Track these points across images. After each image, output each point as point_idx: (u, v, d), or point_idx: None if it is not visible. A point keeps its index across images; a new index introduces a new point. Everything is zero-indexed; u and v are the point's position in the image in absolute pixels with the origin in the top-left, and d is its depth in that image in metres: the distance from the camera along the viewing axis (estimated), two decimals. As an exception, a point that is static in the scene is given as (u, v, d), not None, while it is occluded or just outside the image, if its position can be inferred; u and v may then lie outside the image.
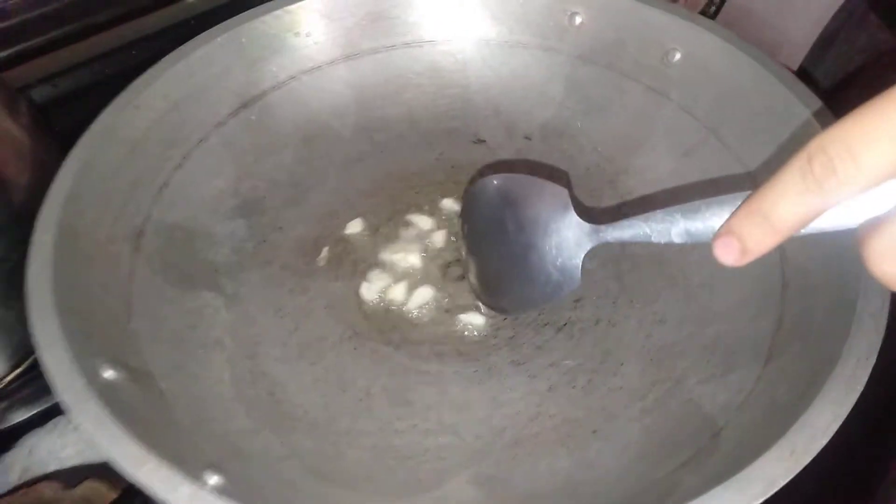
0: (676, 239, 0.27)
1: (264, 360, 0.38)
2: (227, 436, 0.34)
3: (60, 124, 0.51)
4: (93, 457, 0.42)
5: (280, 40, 0.47)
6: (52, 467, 0.41)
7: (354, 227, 0.45)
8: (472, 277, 0.40)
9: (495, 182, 0.38)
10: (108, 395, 0.29)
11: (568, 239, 0.34)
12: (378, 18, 0.49)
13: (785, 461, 0.25)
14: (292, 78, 0.48)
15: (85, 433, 0.27)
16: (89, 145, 0.38)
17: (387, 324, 0.40)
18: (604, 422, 0.35)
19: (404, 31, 0.50)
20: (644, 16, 0.46)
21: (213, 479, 0.28)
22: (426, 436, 0.35)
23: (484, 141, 0.50)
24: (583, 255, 0.34)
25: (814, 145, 0.21)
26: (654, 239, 0.29)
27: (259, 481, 0.31)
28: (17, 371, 0.42)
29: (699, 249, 0.41)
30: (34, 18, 0.61)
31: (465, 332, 0.40)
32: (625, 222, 0.31)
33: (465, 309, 0.40)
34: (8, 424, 0.42)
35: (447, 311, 0.41)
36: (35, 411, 0.42)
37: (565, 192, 0.35)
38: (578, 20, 0.48)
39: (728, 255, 0.25)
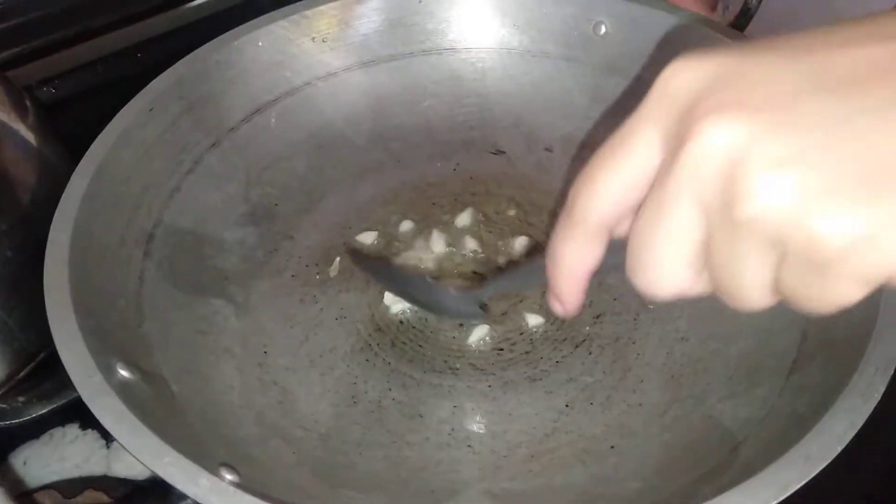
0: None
1: (274, 369, 0.42)
2: (237, 441, 0.37)
3: (62, 128, 0.55)
4: (90, 469, 0.45)
5: (297, 45, 0.52)
6: (47, 479, 0.45)
7: (367, 237, 0.49)
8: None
9: None
10: (125, 393, 0.33)
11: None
12: (396, 25, 0.54)
13: (799, 466, 0.28)
14: (307, 84, 0.52)
15: (104, 426, 0.31)
16: (105, 146, 0.42)
17: (399, 336, 0.44)
18: (622, 438, 0.39)
19: (423, 38, 0.55)
20: (669, 25, 0.50)
21: (229, 477, 0.31)
22: (439, 448, 0.39)
23: (503, 152, 0.54)
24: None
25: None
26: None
27: (270, 485, 0.35)
28: (19, 376, 0.46)
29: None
30: (36, 19, 0.66)
31: (481, 347, 0.43)
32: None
33: (479, 323, 0.44)
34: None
35: (461, 324, 0.44)
36: (31, 416, 0.46)
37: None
38: (603, 29, 0.53)
39: (553, 305, 0.29)
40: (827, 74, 0.20)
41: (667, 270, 0.23)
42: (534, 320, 0.44)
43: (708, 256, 0.22)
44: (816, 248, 0.19)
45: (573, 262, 0.26)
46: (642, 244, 0.23)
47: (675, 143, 0.21)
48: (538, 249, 0.48)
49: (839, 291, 0.20)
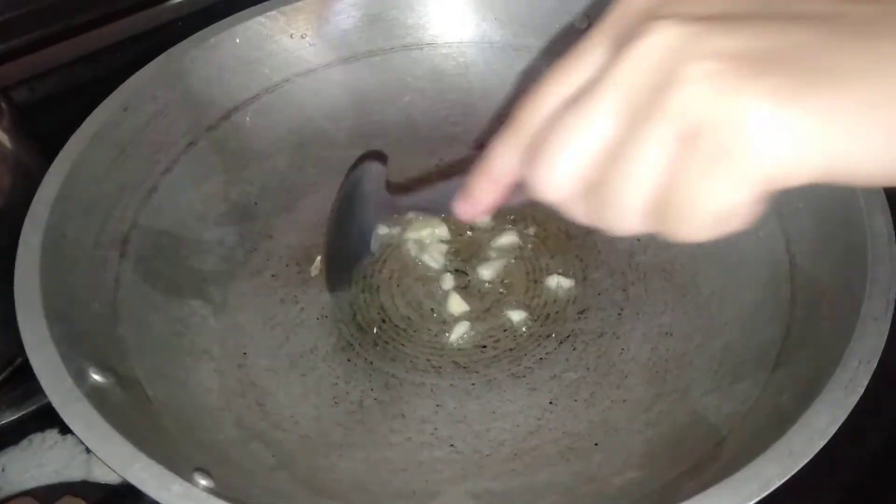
0: None
1: (253, 370, 0.41)
2: (215, 444, 0.37)
3: (39, 130, 0.55)
4: (70, 475, 0.45)
5: (275, 42, 0.51)
6: (27, 485, 0.44)
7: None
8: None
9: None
10: (96, 398, 0.32)
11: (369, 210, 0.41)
12: (376, 20, 0.53)
13: (782, 461, 0.28)
14: (286, 80, 0.52)
15: (74, 432, 0.30)
16: (78, 147, 0.42)
17: (381, 335, 0.43)
18: (606, 435, 0.38)
19: (403, 33, 0.54)
20: (652, 18, 0.50)
21: (203, 482, 0.31)
22: (421, 448, 0.38)
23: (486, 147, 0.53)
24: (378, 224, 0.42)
25: None
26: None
27: (248, 490, 0.34)
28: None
29: (709, 260, 0.44)
30: (12, 18, 0.65)
31: (463, 344, 0.43)
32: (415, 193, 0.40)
33: (461, 320, 0.44)
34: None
35: (444, 322, 0.44)
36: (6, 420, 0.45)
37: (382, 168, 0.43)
38: (586, 23, 0.52)
39: (461, 207, 0.30)
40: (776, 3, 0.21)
41: (563, 169, 0.23)
42: (517, 316, 0.43)
43: (608, 162, 0.22)
44: (727, 133, 0.20)
45: (502, 165, 0.27)
46: (553, 137, 0.23)
47: (620, 46, 0.22)
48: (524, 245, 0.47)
49: (725, 192, 0.20)
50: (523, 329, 0.43)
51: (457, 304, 0.44)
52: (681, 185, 0.21)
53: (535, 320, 0.44)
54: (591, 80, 0.23)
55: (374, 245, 0.43)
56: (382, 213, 0.42)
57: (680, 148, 0.21)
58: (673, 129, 0.21)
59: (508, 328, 0.43)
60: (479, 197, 0.29)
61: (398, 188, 0.49)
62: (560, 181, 0.24)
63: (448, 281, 0.45)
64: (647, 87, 0.21)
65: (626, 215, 0.23)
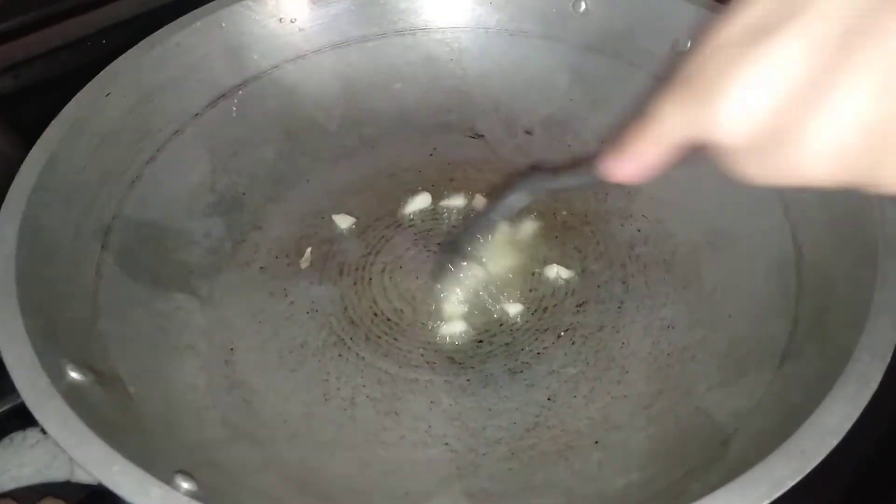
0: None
1: (241, 366, 0.40)
2: (199, 444, 0.35)
3: (23, 119, 0.53)
4: (52, 475, 0.43)
5: (263, 26, 0.49)
6: (7, 486, 0.43)
7: (340, 226, 0.47)
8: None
9: None
10: (74, 396, 0.31)
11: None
12: (367, 4, 0.51)
13: (794, 461, 0.27)
14: (275, 67, 0.50)
15: (48, 431, 0.29)
16: (56, 135, 0.40)
17: (374, 329, 0.42)
18: (606, 432, 0.37)
19: (395, 17, 0.52)
20: (653, 1, 0.48)
21: (185, 485, 0.29)
22: (415, 447, 0.37)
23: (482, 136, 0.52)
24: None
25: None
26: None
27: (233, 492, 0.33)
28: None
29: (712, 251, 0.43)
30: (-4, 5, 0.63)
31: (458, 339, 0.41)
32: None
33: (455, 320, 0.42)
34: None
35: (439, 317, 0.42)
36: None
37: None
38: (583, 6, 0.51)
39: (616, 166, 0.27)
40: None
41: (753, 107, 0.21)
42: (514, 309, 0.42)
43: (808, 97, 0.20)
44: None
45: (670, 117, 0.24)
46: (742, 73, 0.21)
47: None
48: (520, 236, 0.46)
49: None
50: (520, 323, 0.42)
51: (451, 308, 0.42)
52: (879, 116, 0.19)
53: (533, 314, 0.42)
54: (781, 17, 0.21)
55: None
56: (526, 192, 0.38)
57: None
58: (889, 55, 0.19)
59: (505, 322, 0.42)
60: (640, 155, 0.26)
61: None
62: (748, 121, 0.21)
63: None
64: (855, 12, 0.19)
65: (823, 159, 0.20)
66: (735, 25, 0.22)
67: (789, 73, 0.20)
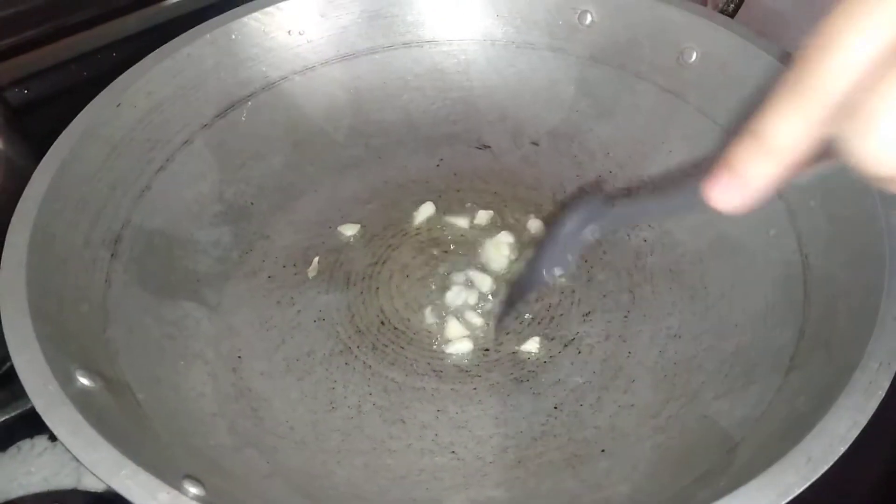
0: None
1: (248, 374, 0.40)
2: (207, 451, 0.35)
3: (35, 130, 0.53)
4: (59, 483, 0.43)
5: (271, 38, 0.50)
6: (14, 494, 0.43)
7: (347, 235, 0.47)
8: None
9: None
10: (83, 402, 0.31)
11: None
12: (375, 17, 0.52)
13: (801, 469, 0.27)
14: (284, 78, 0.51)
15: (57, 436, 0.29)
16: (68, 144, 0.40)
17: (381, 338, 0.42)
18: (613, 441, 0.37)
19: (403, 30, 0.53)
20: (658, 13, 0.48)
21: (193, 490, 0.29)
22: (422, 455, 0.37)
23: (488, 147, 0.52)
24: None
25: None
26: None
27: (241, 498, 0.33)
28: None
29: (717, 260, 0.43)
30: (5, 18, 0.64)
31: (465, 348, 0.41)
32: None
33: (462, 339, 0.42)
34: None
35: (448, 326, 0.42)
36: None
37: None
38: (589, 19, 0.51)
39: (725, 194, 0.24)
40: None
41: None
42: (520, 319, 0.42)
43: None
44: None
45: (789, 133, 0.22)
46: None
47: None
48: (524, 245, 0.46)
49: None
50: (527, 332, 0.42)
51: (455, 330, 0.42)
52: None
53: (539, 323, 0.42)
54: None
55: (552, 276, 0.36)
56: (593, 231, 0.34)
57: None
58: None
59: (511, 331, 0.42)
60: (752, 178, 0.23)
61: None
62: None
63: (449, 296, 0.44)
64: None
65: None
66: (866, 32, 0.20)
67: None
